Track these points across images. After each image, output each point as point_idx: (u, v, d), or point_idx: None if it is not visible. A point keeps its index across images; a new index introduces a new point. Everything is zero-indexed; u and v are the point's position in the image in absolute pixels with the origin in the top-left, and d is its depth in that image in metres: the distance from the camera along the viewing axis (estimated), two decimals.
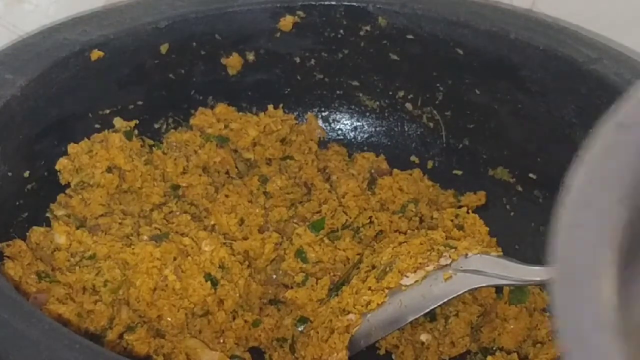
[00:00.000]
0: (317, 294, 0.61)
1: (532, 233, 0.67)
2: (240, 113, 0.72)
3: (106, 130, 0.66)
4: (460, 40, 0.68)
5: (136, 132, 0.67)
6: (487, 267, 0.58)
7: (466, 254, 0.59)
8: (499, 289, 0.62)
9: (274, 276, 0.64)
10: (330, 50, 0.72)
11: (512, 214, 0.70)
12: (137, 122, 0.68)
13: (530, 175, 0.69)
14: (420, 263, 0.59)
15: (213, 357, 0.58)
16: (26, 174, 0.61)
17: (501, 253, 0.62)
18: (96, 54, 0.64)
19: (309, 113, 0.74)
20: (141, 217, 0.64)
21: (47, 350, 0.45)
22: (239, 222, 0.65)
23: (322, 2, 0.70)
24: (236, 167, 0.70)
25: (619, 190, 0.27)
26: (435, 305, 0.59)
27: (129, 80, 0.67)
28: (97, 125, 0.66)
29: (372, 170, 0.71)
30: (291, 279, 0.63)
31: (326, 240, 0.64)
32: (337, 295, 0.60)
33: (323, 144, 0.74)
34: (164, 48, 0.67)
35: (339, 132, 0.75)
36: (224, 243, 0.62)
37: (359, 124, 0.75)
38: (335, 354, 0.57)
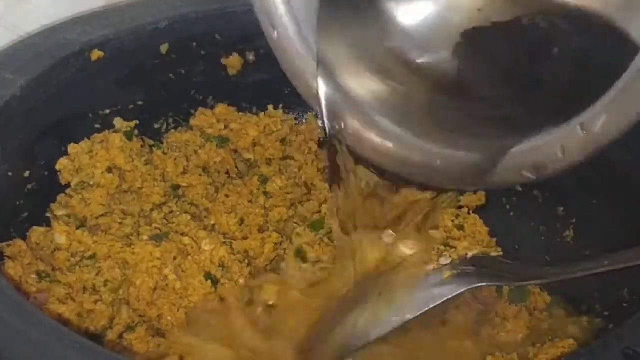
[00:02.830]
0: None
1: (532, 233, 0.67)
2: (240, 113, 0.72)
3: (106, 131, 0.66)
4: None
5: (136, 132, 0.67)
6: (487, 267, 0.58)
7: (466, 254, 0.59)
8: (499, 288, 0.63)
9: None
10: None
11: (512, 214, 0.70)
12: (137, 122, 0.68)
13: None
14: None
15: None
16: (26, 174, 0.61)
17: (501, 253, 0.62)
18: (96, 54, 0.64)
19: (309, 113, 0.74)
20: (141, 217, 0.64)
21: (47, 350, 0.45)
22: (239, 222, 0.65)
23: None
24: (236, 167, 0.70)
25: None
26: (435, 305, 0.58)
27: (129, 80, 0.67)
28: (97, 125, 0.66)
29: None
30: None
31: (326, 240, 0.64)
32: None
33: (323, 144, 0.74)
34: (164, 48, 0.67)
35: None
36: (224, 242, 0.62)
37: None
38: None
